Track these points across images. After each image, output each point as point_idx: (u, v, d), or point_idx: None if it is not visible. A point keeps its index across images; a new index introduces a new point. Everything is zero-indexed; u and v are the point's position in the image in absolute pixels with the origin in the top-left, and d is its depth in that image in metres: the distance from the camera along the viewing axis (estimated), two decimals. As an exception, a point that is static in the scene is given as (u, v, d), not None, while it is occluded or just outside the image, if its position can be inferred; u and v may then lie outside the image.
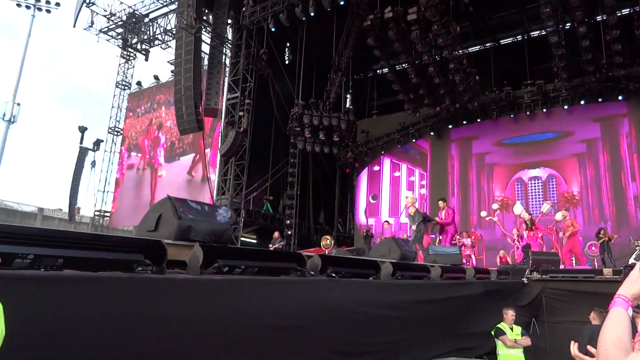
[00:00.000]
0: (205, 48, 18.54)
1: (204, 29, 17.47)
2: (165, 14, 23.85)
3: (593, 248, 13.21)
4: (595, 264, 12.48)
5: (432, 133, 19.37)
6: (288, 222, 19.01)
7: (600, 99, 16.00)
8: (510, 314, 6.88)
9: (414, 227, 11.22)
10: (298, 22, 16.78)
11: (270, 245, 13.79)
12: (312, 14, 15.69)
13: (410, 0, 15.40)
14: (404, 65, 17.92)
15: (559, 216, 13.66)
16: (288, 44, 20.39)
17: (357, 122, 20.37)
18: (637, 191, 15.49)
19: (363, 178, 21.44)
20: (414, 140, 19.75)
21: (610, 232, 13.54)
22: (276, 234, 14.52)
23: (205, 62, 18.64)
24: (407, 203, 11.78)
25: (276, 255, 5.27)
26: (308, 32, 17.89)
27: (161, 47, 24.96)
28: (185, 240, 3.48)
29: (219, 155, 18.22)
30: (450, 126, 19.05)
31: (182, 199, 3.68)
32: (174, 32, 20.63)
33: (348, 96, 20.74)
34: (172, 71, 21.27)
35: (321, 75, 19.47)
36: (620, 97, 15.72)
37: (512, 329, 6.84)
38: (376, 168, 21.07)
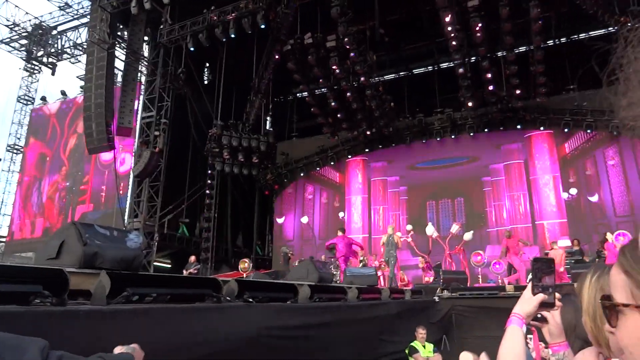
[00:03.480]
0: (120, 65, 17.87)
1: (118, 45, 16.83)
2: (76, 27, 22.66)
3: (497, 266, 14.11)
4: (499, 281, 13.31)
5: (349, 156, 19.90)
6: (205, 245, 18.47)
7: (501, 128, 17.36)
8: (420, 332, 7.12)
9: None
10: (218, 42, 16.66)
11: (185, 270, 13.27)
12: (232, 36, 15.66)
13: (329, 27, 15.87)
14: (323, 89, 18.33)
15: (467, 236, 14.50)
16: (207, 64, 20.15)
17: (276, 144, 20.43)
18: (534, 211, 16.87)
19: (282, 200, 21.43)
20: (332, 163, 20.15)
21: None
22: (192, 257, 14.01)
23: (119, 79, 17.92)
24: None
25: (190, 281, 5.08)
26: (228, 53, 17.80)
27: (70, 61, 23.62)
28: (91, 268, 3.25)
29: (131, 175, 17.42)
30: (367, 150, 19.69)
31: (89, 224, 3.45)
32: (85, 46, 19.66)
33: (268, 118, 20.78)
34: (81, 87, 20.18)
35: (241, 96, 19.39)
36: (518, 127, 17.14)
37: (424, 346, 7.08)
38: (291, 191, 21.18)
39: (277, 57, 17.89)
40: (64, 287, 2.66)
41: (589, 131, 15.93)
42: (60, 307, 2.60)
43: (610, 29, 15.06)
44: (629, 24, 13.05)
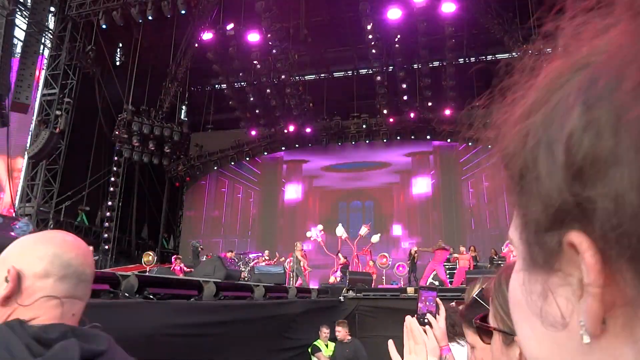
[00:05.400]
0: (20, 35, 16.32)
1: (19, 13, 15.36)
2: (-30, -13, 20.34)
3: (400, 268, 14.75)
4: (401, 282, 13.93)
5: (265, 153, 19.78)
6: (106, 235, 17.43)
7: (412, 137, 18.17)
8: (324, 331, 7.22)
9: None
10: (134, 23, 15.81)
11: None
12: (150, 18, 14.94)
13: (253, 21, 15.67)
14: (242, 83, 18.06)
15: (374, 238, 14.98)
16: (121, 45, 19.03)
17: (191, 135, 19.80)
18: (437, 218, 17.86)
19: (193, 192, 20.83)
20: (247, 159, 19.91)
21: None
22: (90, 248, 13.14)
23: (18, 50, 16.37)
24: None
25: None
26: (144, 35, 16.95)
27: (-40, 24, 21.14)
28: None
29: (25, 157, 15.99)
30: (283, 148, 19.69)
31: (-32, 208, 3.10)
32: (-20, 9, 17.72)
33: (183, 107, 20.08)
34: (-28, 54, 18.16)
35: (155, 82, 18.52)
36: (428, 137, 18.05)
37: (327, 345, 7.19)
38: (203, 183, 20.68)
39: (196, 45, 17.35)
40: None
41: (490, 146, 17.17)
42: None
43: (513, 54, 16.37)
44: (530, 52, 14.28)
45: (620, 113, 0.27)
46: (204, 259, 13.78)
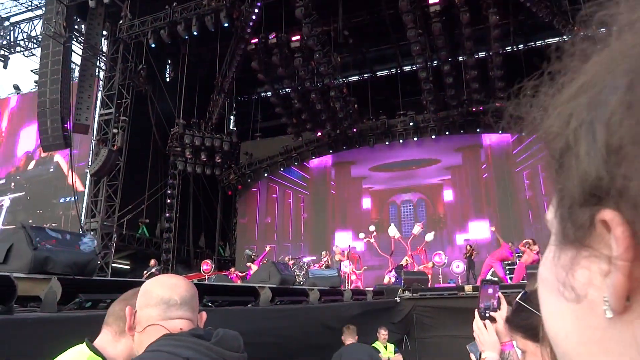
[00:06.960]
0: (77, 59, 17.29)
1: (75, 39, 16.29)
2: (30, 19, 21.76)
3: (458, 266, 14.43)
4: (459, 280, 13.62)
5: (313, 157, 19.89)
6: (166, 246, 18.10)
7: (462, 131, 17.73)
8: (382, 333, 7.17)
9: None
10: (180, 39, 16.37)
11: (146, 272, 12.96)
12: (195, 33, 15.42)
13: (294, 28, 15.85)
14: (287, 90, 18.28)
15: (428, 237, 14.75)
16: (169, 61, 19.75)
17: (240, 144, 20.23)
18: (492, 212, 17.30)
19: (246, 200, 21.24)
20: (296, 164, 20.10)
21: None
22: (152, 261, 13.68)
23: (76, 74, 17.34)
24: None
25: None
26: (191, 50, 17.51)
27: (24, 54, 22.65)
28: (41, 273, 3.12)
29: (88, 174, 16.87)
30: (330, 151, 19.74)
31: (39, 227, 3.32)
32: (40, 39, 18.92)
33: (231, 117, 20.57)
34: (36, 81, 19.42)
35: (204, 95, 19.09)
36: (477, 130, 17.56)
37: (385, 347, 7.14)
38: (254, 191, 21.02)
39: (241, 56, 17.73)
40: (12, 294, 2.54)
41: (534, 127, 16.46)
42: (7, 315, 2.48)
43: (564, 37, 15.63)
44: (582, 34, 13.59)
45: None
46: (250, 265, 14.10)
